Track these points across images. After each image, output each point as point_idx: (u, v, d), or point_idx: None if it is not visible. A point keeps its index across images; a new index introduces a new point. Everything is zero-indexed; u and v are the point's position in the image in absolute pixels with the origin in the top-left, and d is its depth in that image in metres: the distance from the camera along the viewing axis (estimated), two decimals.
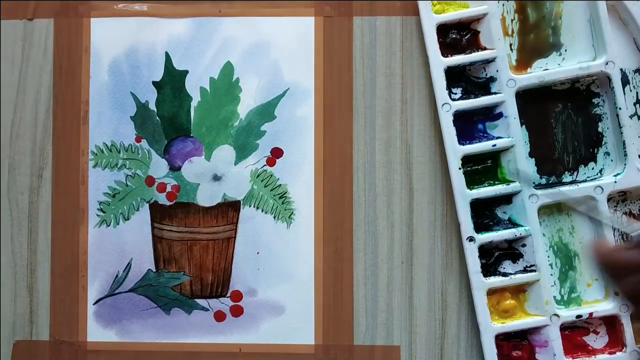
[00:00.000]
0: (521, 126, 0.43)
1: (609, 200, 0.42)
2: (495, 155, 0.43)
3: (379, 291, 0.43)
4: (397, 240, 0.43)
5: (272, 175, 0.44)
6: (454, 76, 0.43)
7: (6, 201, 0.44)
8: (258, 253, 0.44)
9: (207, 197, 0.44)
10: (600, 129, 0.43)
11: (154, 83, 0.44)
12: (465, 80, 0.43)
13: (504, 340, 0.42)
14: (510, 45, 0.43)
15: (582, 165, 0.43)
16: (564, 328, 0.42)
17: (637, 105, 0.43)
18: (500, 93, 0.42)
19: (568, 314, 0.42)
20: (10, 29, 0.45)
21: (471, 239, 0.41)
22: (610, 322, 0.42)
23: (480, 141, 0.42)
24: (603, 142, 0.43)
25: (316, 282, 0.43)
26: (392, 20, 0.44)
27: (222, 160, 0.44)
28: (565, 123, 0.43)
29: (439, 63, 0.42)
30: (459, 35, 0.43)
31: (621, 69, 0.43)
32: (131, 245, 0.44)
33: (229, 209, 0.44)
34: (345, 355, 0.43)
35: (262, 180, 0.44)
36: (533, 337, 0.42)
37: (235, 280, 0.44)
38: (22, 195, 0.44)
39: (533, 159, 0.43)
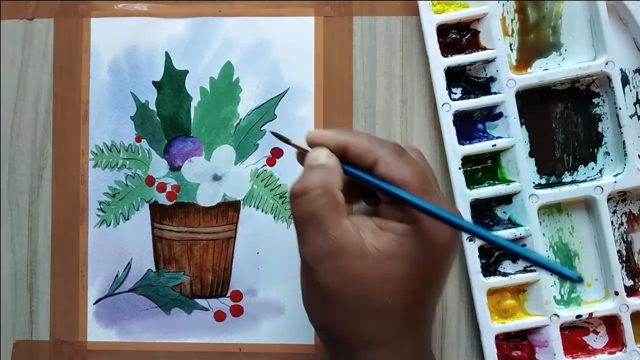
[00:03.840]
0: (521, 126, 0.43)
1: (609, 200, 0.42)
2: (495, 155, 0.43)
3: None
4: None
5: (272, 175, 0.44)
6: (454, 76, 0.43)
7: (6, 201, 0.44)
8: (258, 253, 0.44)
9: (207, 197, 0.44)
10: (600, 129, 0.43)
11: (154, 83, 0.44)
12: (465, 80, 0.43)
13: (504, 340, 0.42)
14: (510, 45, 0.43)
15: (582, 165, 0.43)
16: (564, 328, 0.42)
17: (637, 105, 0.43)
18: (500, 93, 0.42)
19: (568, 314, 0.42)
20: (10, 29, 0.45)
21: (471, 239, 0.41)
22: (610, 322, 0.42)
23: (480, 141, 0.42)
24: (603, 142, 0.43)
25: None
26: (392, 20, 0.44)
27: (222, 160, 0.44)
28: (566, 123, 0.43)
29: (439, 63, 0.42)
30: (459, 35, 0.43)
31: (621, 69, 0.43)
32: (131, 245, 0.44)
33: (229, 209, 0.44)
34: None
35: (262, 180, 0.44)
36: (533, 337, 0.42)
37: (235, 280, 0.44)
38: (22, 195, 0.44)
39: (533, 159, 0.43)
